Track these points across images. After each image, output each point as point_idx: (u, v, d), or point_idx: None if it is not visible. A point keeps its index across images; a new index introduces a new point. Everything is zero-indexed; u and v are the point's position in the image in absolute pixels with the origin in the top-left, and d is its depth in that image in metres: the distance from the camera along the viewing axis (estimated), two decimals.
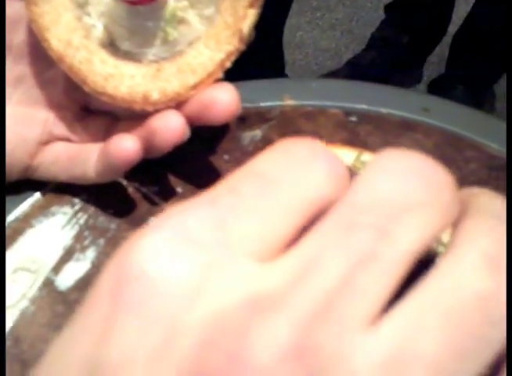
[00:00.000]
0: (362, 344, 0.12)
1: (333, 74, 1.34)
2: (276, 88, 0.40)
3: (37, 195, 0.34)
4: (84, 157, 0.32)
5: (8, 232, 0.33)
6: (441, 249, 0.26)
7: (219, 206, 0.14)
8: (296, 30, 1.38)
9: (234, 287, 0.13)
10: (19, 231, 0.33)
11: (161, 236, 0.13)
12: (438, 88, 1.25)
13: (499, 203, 0.16)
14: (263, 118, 0.39)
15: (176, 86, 0.29)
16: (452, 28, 1.21)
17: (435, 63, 1.33)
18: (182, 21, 0.30)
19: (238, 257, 0.13)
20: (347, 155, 0.31)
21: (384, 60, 1.30)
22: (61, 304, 0.30)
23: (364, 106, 0.39)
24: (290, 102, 0.40)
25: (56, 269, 0.32)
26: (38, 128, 0.33)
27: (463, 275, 0.13)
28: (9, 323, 0.30)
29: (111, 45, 0.31)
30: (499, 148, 0.36)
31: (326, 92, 0.40)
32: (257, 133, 0.38)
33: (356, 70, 1.31)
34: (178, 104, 0.30)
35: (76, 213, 0.34)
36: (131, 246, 0.14)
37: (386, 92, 0.40)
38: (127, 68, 0.30)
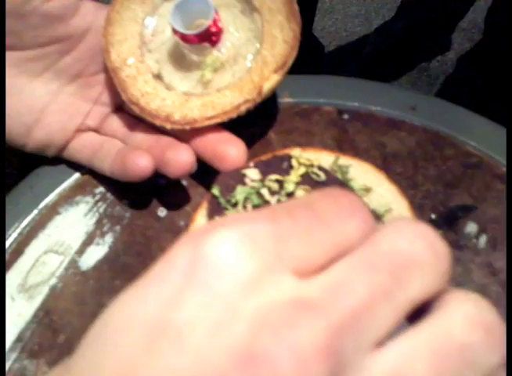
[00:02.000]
0: (371, 360, 0.15)
1: (362, 41, 1.34)
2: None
3: (64, 186, 0.40)
4: (103, 153, 0.38)
5: (38, 218, 0.39)
6: None
7: (279, 225, 0.17)
8: None
9: (282, 289, 0.16)
10: (48, 217, 0.39)
11: (232, 233, 0.16)
12: (467, 58, 1.23)
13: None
14: (261, 116, 0.43)
15: (196, 114, 0.35)
16: None
17: (466, 29, 1.31)
18: (218, 70, 0.36)
19: (286, 269, 0.16)
20: (326, 158, 0.35)
21: (415, 27, 1.29)
22: (83, 282, 0.36)
23: (356, 104, 0.43)
24: (288, 99, 0.43)
25: (80, 251, 0.37)
26: (79, 119, 0.38)
27: (452, 326, 0.16)
28: (41, 297, 0.36)
29: (158, 75, 0.37)
30: (476, 145, 0.39)
31: (321, 89, 0.44)
32: (256, 130, 0.42)
33: (386, 36, 1.31)
34: (194, 138, 0.36)
35: (96, 202, 0.39)
36: (207, 234, 0.16)
37: (377, 89, 0.43)
38: (162, 92, 0.36)
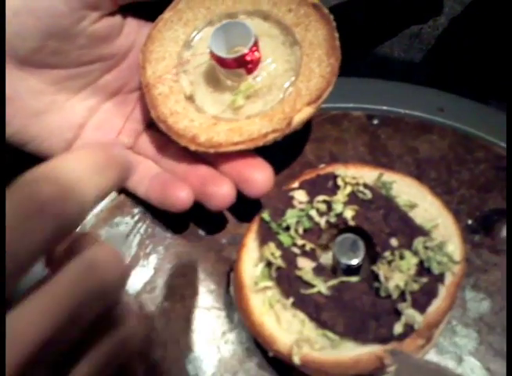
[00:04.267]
0: None
1: (352, 7, 1.32)
2: None
3: (99, 207, 0.40)
4: (139, 176, 0.38)
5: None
6: (444, 260, 0.31)
7: None
8: None
9: None
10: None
11: None
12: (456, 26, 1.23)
13: None
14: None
15: (222, 139, 0.34)
16: None
17: None
18: (250, 97, 0.36)
19: None
20: (369, 174, 0.35)
21: None
22: (132, 305, 0.37)
23: (384, 107, 0.43)
24: None
25: None
26: (113, 135, 0.38)
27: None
28: None
29: (190, 97, 0.36)
30: (505, 146, 0.40)
31: (348, 92, 0.44)
32: (287, 140, 0.42)
33: (376, 4, 1.29)
34: (221, 160, 0.35)
35: (136, 223, 0.39)
36: None
37: (404, 91, 0.44)
38: (191, 113, 0.36)
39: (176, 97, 0.36)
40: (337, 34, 0.35)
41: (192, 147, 0.35)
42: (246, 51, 0.34)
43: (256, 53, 0.34)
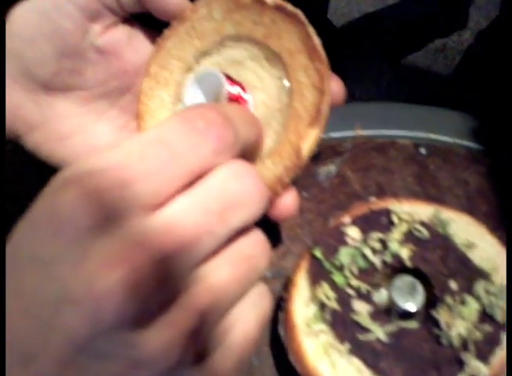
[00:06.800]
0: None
1: (376, 21, 1.31)
2: (347, 117, 0.43)
3: None
4: None
5: None
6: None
7: (127, 169, 0.19)
8: None
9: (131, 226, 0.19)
10: None
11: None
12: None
13: None
14: (336, 152, 0.41)
15: None
16: None
17: (482, 6, 1.28)
18: None
19: (131, 209, 0.19)
20: (424, 210, 0.33)
21: (430, 6, 1.26)
22: None
23: (432, 135, 0.41)
24: (361, 132, 0.42)
25: None
26: None
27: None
28: None
29: None
30: None
31: (394, 118, 0.42)
32: (332, 168, 0.40)
33: (400, 17, 1.28)
34: None
35: None
36: None
37: (453, 119, 0.42)
38: None
39: None
40: (311, 30, 0.30)
41: None
42: (224, 94, 0.30)
43: (236, 87, 0.31)
